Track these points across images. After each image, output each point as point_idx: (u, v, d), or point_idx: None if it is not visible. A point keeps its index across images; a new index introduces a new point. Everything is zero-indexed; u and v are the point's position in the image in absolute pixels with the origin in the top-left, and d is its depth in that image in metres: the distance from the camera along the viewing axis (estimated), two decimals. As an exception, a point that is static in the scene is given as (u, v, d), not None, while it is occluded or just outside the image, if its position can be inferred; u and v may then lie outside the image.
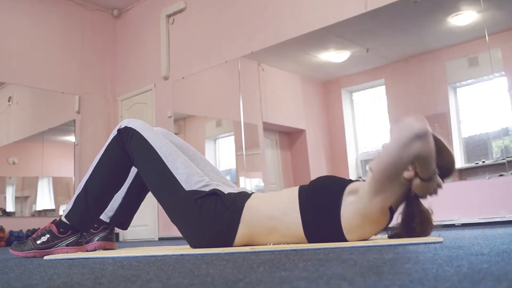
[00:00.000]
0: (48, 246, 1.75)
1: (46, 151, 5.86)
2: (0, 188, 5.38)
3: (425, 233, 1.51)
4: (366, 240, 1.52)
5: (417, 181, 1.43)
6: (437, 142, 1.42)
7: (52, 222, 1.80)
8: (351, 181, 1.55)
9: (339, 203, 1.47)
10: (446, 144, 1.52)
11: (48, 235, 1.76)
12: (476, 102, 3.86)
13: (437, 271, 0.64)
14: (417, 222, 1.48)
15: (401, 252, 1.05)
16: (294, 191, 1.57)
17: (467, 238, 1.61)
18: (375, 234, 1.54)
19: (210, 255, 1.26)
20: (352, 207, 1.45)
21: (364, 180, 1.59)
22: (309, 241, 1.53)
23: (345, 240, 1.48)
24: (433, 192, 1.47)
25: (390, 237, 1.55)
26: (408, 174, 1.43)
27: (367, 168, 1.49)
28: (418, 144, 1.29)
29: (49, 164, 5.86)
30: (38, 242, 1.76)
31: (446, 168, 1.51)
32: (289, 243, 1.58)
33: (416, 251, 1.06)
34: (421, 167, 1.39)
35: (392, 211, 1.48)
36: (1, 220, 5.08)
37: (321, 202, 1.50)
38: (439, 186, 1.48)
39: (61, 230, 1.76)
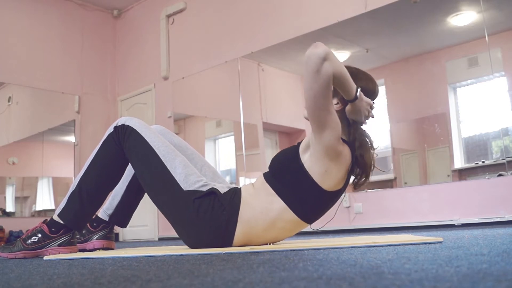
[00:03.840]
0: (39, 247, 1.71)
1: (46, 151, 5.86)
2: (0, 188, 5.38)
3: (368, 157, 1.55)
4: (344, 186, 1.57)
5: (348, 107, 1.52)
6: (350, 68, 1.52)
7: (43, 222, 1.76)
8: (299, 143, 1.63)
9: (301, 164, 1.53)
10: (358, 68, 1.61)
11: (39, 235, 1.72)
12: (476, 102, 3.86)
13: (437, 271, 0.64)
14: (357, 146, 1.54)
15: (401, 252, 1.05)
16: (261, 179, 1.62)
17: (467, 238, 1.61)
18: (346, 174, 1.55)
19: (209, 255, 1.26)
20: (311, 158, 1.51)
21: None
22: (302, 218, 1.56)
23: (325, 192, 1.51)
24: (368, 113, 1.54)
25: (354, 184, 1.59)
26: (336, 106, 1.53)
27: (304, 116, 1.55)
28: (326, 65, 1.35)
29: (49, 164, 5.86)
30: (28, 242, 1.72)
31: (368, 88, 1.57)
32: (290, 235, 1.61)
33: (416, 251, 1.06)
34: (342, 88, 1.45)
35: (346, 142, 1.53)
36: (1, 220, 5.08)
37: (287, 174, 1.56)
38: (370, 105, 1.55)
39: (53, 229, 1.72)
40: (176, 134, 5.39)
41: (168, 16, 5.68)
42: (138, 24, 6.10)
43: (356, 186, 1.60)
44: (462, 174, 3.75)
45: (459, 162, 3.76)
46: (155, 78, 5.76)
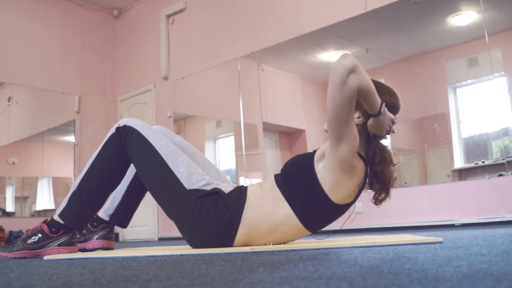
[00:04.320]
0: (39, 246, 1.71)
1: (46, 151, 5.86)
2: (0, 188, 5.38)
3: (388, 172, 1.54)
4: (354, 201, 1.56)
5: (370, 121, 1.49)
6: (375, 82, 1.48)
7: (43, 222, 1.76)
8: (314, 151, 1.61)
9: (314, 173, 1.51)
10: (383, 82, 1.60)
11: (39, 235, 1.72)
12: (476, 102, 3.86)
13: (437, 271, 0.64)
14: (378, 161, 1.52)
15: (401, 252, 1.05)
16: (271, 180, 1.60)
17: (467, 238, 1.61)
18: (357, 189, 1.53)
19: (210, 255, 1.26)
20: (325, 168, 1.49)
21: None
22: (306, 226, 1.55)
23: (333, 204, 1.50)
24: (389, 128, 1.53)
25: (375, 200, 1.57)
26: (358, 120, 1.50)
27: (324, 129, 1.53)
28: (352, 78, 1.32)
29: (49, 164, 5.86)
30: (28, 242, 1.72)
31: (392, 102, 1.56)
32: (291, 240, 1.60)
33: (416, 251, 1.06)
34: (366, 102, 1.43)
35: (362, 157, 1.51)
36: (1, 220, 5.08)
37: (298, 180, 1.54)
38: (392, 120, 1.53)
39: (53, 229, 1.72)
40: (176, 134, 5.39)
41: (168, 16, 5.68)
42: (138, 24, 6.10)
43: (377, 202, 1.57)
44: (462, 174, 3.75)
45: (459, 162, 3.76)
46: (155, 78, 5.76)
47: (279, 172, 1.64)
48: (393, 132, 1.55)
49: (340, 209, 1.56)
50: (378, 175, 1.53)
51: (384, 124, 1.49)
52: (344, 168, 1.45)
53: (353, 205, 1.62)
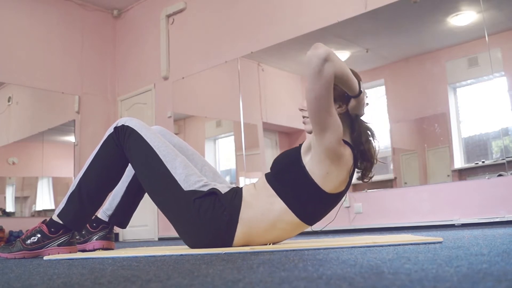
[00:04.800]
0: (38, 247, 1.71)
1: (46, 151, 5.86)
2: (0, 188, 5.38)
3: (374, 149, 1.57)
4: (346, 189, 1.57)
5: (352, 103, 1.51)
6: None
7: (42, 222, 1.76)
8: (300, 145, 1.62)
9: (302, 166, 1.52)
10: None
11: (38, 235, 1.72)
12: (476, 102, 3.86)
13: (437, 271, 0.64)
14: (364, 140, 1.55)
15: (401, 252, 1.05)
16: (263, 179, 1.62)
17: (467, 238, 1.61)
18: (347, 176, 1.55)
19: (209, 255, 1.26)
20: (312, 160, 1.50)
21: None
22: (303, 219, 1.56)
23: (326, 194, 1.51)
24: (365, 102, 1.56)
25: (358, 178, 1.61)
26: (340, 109, 1.52)
27: (306, 131, 1.57)
28: (328, 66, 1.34)
29: (49, 164, 5.86)
30: (28, 242, 1.72)
31: (356, 76, 1.55)
32: (290, 237, 1.61)
33: (416, 251, 1.06)
34: (345, 85, 1.45)
35: (349, 144, 1.53)
36: (1, 220, 5.08)
37: (288, 176, 1.56)
38: (366, 95, 1.57)
39: (52, 229, 1.72)
40: (176, 134, 5.38)
41: (168, 16, 5.68)
42: (138, 24, 6.10)
43: (366, 179, 1.60)
44: (462, 174, 3.75)
45: (459, 162, 3.76)
46: (155, 78, 5.76)
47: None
48: (367, 104, 1.58)
49: (333, 199, 1.57)
50: (365, 154, 1.56)
51: (364, 101, 1.53)
52: (331, 157, 1.47)
53: (346, 196, 1.65)
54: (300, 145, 1.64)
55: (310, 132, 1.56)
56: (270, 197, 1.56)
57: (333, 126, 1.42)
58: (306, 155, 1.55)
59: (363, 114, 1.58)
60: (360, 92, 1.48)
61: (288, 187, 1.55)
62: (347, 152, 1.52)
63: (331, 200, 1.57)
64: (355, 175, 1.62)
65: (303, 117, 1.63)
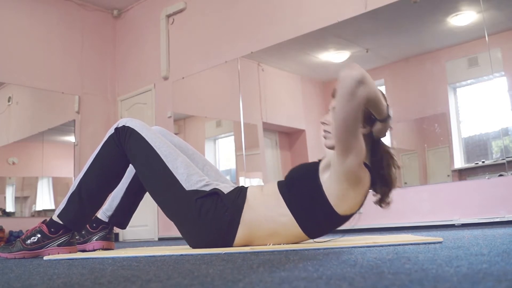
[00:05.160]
0: (38, 247, 1.71)
1: (46, 151, 5.85)
2: (0, 188, 5.38)
3: (394, 175, 1.55)
4: (358, 210, 1.55)
5: (378, 126, 1.47)
6: None
7: (42, 222, 1.76)
8: (318, 162, 1.59)
9: (319, 184, 1.50)
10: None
11: (38, 235, 1.72)
12: (476, 102, 3.86)
13: (437, 271, 0.64)
14: (385, 165, 1.53)
15: (401, 252, 1.05)
16: (274, 187, 1.59)
17: (467, 238, 1.61)
18: (363, 199, 1.54)
19: (209, 255, 1.26)
20: (331, 179, 1.48)
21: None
22: (309, 235, 1.54)
23: (338, 216, 1.49)
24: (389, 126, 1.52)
25: (376, 202, 1.58)
26: (364, 130, 1.48)
27: (324, 144, 1.55)
28: (362, 89, 1.31)
29: (49, 164, 5.86)
30: (28, 242, 1.72)
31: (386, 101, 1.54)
32: (290, 243, 1.59)
33: (416, 251, 1.06)
34: (375, 109, 1.42)
35: (368, 167, 1.50)
36: (1, 220, 5.08)
37: (302, 189, 1.53)
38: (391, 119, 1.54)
39: (52, 230, 1.72)
40: (176, 134, 5.38)
41: (168, 16, 5.68)
42: (138, 24, 6.10)
43: (384, 205, 1.57)
44: (462, 174, 3.75)
45: (459, 162, 3.76)
46: (155, 78, 5.76)
47: (278, 177, 1.63)
48: (391, 128, 1.55)
49: (344, 219, 1.56)
50: (385, 178, 1.53)
51: (388, 126, 1.49)
52: (350, 180, 1.44)
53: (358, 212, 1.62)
54: (320, 160, 1.60)
55: (329, 148, 1.54)
56: (278, 208, 1.53)
57: (357, 149, 1.40)
58: (324, 173, 1.52)
59: (385, 136, 1.56)
60: (388, 116, 1.45)
61: (301, 201, 1.52)
62: (366, 176, 1.49)
63: (341, 221, 1.55)
64: (373, 198, 1.58)
65: (324, 131, 1.59)
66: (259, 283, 0.61)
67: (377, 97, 1.37)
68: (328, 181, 1.48)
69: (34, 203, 5.58)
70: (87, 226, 1.96)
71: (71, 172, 5.72)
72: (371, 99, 1.35)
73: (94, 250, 1.94)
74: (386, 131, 1.50)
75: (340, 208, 1.48)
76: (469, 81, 3.90)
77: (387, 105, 1.45)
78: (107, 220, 1.98)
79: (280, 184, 1.59)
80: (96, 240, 1.96)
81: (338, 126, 1.37)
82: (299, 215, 1.51)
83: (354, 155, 1.40)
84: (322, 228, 1.55)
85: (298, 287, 0.56)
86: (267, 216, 1.54)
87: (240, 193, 1.60)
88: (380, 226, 3.70)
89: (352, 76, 1.30)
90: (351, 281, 0.58)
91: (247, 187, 1.65)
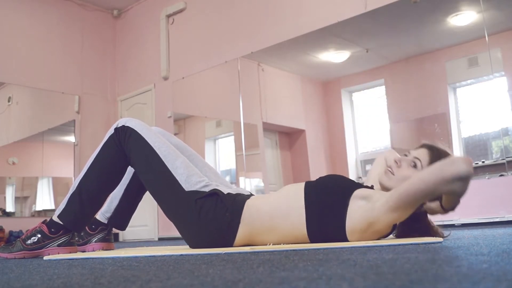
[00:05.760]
0: (38, 247, 1.72)
1: (46, 151, 5.85)
2: (0, 188, 5.38)
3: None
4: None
5: (437, 209, 1.47)
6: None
7: (42, 222, 1.77)
8: (359, 185, 1.55)
9: (346, 203, 1.46)
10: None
11: (38, 235, 1.72)
12: (476, 102, 3.86)
13: (437, 271, 0.64)
14: (414, 229, 1.54)
15: (401, 252, 1.05)
16: (300, 187, 1.55)
17: (467, 238, 1.61)
18: (374, 238, 1.55)
19: (209, 255, 1.26)
20: (361, 212, 1.44)
21: (363, 183, 1.60)
22: (311, 240, 1.52)
23: (346, 240, 1.48)
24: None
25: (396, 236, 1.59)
26: (434, 204, 1.47)
27: (380, 182, 1.52)
28: (458, 184, 1.31)
29: (49, 164, 5.86)
30: (28, 242, 1.72)
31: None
32: (289, 243, 1.58)
33: (416, 251, 1.06)
34: (450, 201, 1.43)
35: (396, 226, 1.52)
36: (1, 220, 5.08)
37: (328, 200, 1.49)
38: None
39: (52, 230, 1.72)
40: (176, 134, 5.39)
41: (168, 16, 5.68)
42: (138, 24, 6.10)
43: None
44: (462, 174, 3.74)
45: (459, 162, 3.76)
46: (155, 78, 5.76)
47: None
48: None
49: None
50: (406, 235, 1.55)
51: (444, 213, 1.50)
52: (374, 227, 1.44)
53: None
54: (360, 184, 1.57)
55: (382, 186, 1.52)
56: (292, 205, 1.51)
57: (403, 214, 1.41)
58: (358, 199, 1.47)
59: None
60: (452, 210, 1.46)
61: (321, 208, 1.49)
62: (387, 233, 1.50)
63: (347, 241, 1.54)
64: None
65: (391, 168, 1.54)
66: (259, 283, 0.61)
67: (461, 196, 1.38)
68: (357, 210, 1.45)
69: (34, 203, 5.58)
70: (86, 227, 1.96)
71: (71, 172, 5.72)
72: (456, 195, 1.36)
73: (94, 251, 1.94)
74: (437, 214, 1.51)
75: (352, 236, 1.47)
76: (469, 81, 3.90)
77: (459, 202, 1.45)
78: (106, 222, 1.98)
79: (309, 184, 1.56)
80: (95, 241, 1.96)
81: (410, 190, 1.36)
82: (313, 220, 1.49)
83: (397, 215, 1.40)
84: (326, 239, 1.53)
85: (298, 287, 0.55)
86: (275, 208, 1.52)
87: (243, 196, 1.60)
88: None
89: (460, 169, 1.30)
90: (351, 281, 0.58)
91: (251, 194, 1.65)
